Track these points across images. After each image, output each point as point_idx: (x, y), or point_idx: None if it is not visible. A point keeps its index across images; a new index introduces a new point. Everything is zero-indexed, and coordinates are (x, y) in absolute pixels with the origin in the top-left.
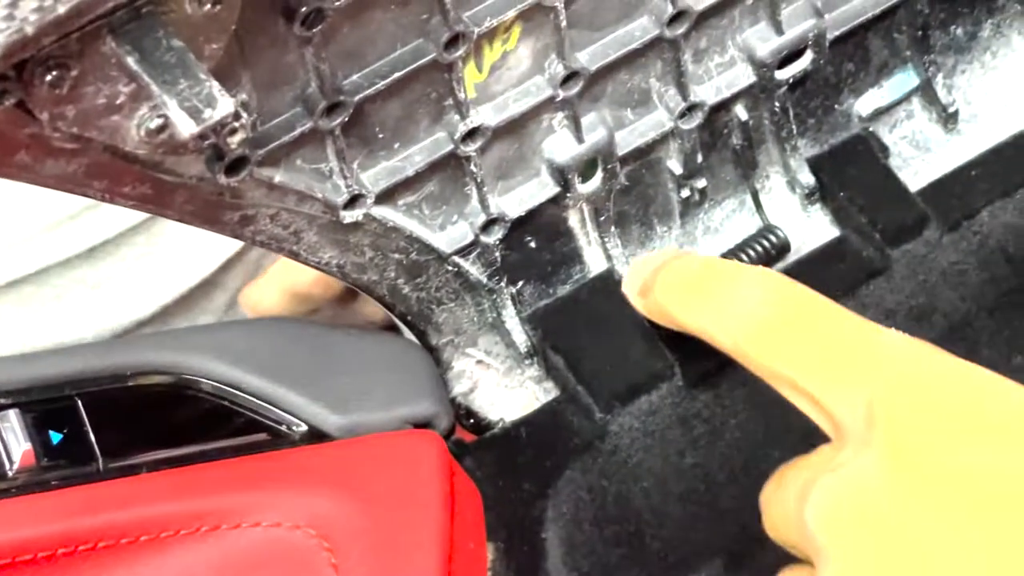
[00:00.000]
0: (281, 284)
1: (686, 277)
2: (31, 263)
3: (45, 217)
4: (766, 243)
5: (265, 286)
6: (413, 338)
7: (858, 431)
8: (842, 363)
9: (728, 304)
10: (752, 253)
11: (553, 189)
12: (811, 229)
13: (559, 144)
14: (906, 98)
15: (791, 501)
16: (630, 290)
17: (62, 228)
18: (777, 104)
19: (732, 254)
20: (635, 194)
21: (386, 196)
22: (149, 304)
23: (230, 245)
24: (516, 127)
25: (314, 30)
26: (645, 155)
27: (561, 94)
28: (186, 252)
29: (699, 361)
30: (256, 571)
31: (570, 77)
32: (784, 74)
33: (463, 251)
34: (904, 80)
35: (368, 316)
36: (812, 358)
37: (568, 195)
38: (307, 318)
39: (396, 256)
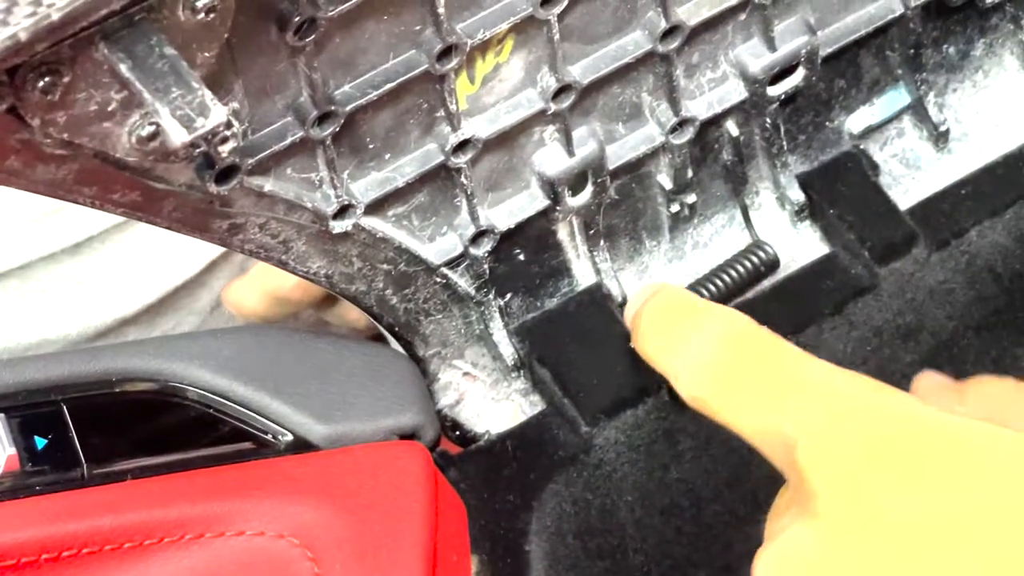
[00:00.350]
0: (262, 286)
1: (654, 321)
2: (15, 257)
3: (29, 210)
4: (755, 259)
5: (246, 287)
6: (400, 348)
7: (794, 484)
8: (771, 411)
9: (682, 354)
10: (741, 269)
11: (543, 202)
12: (800, 246)
13: (550, 157)
14: (897, 116)
15: None
16: (629, 326)
17: (46, 222)
18: (768, 120)
19: (721, 270)
20: (625, 208)
21: (376, 207)
22: (133, 302)
23: (216, 246)
24: (507, 139)
25: (307, 39)
26: (635, 169)
27: (553, 107)
28: (172, 251)
29: None
30: None
31: (562, 90)
32: (776, 90)
33: (452, 263)
34: (895, 98)
35: (350, 321)
36: (747, 409)
37: (558, 208)
38: (293, 326)
39: (384, 267)
